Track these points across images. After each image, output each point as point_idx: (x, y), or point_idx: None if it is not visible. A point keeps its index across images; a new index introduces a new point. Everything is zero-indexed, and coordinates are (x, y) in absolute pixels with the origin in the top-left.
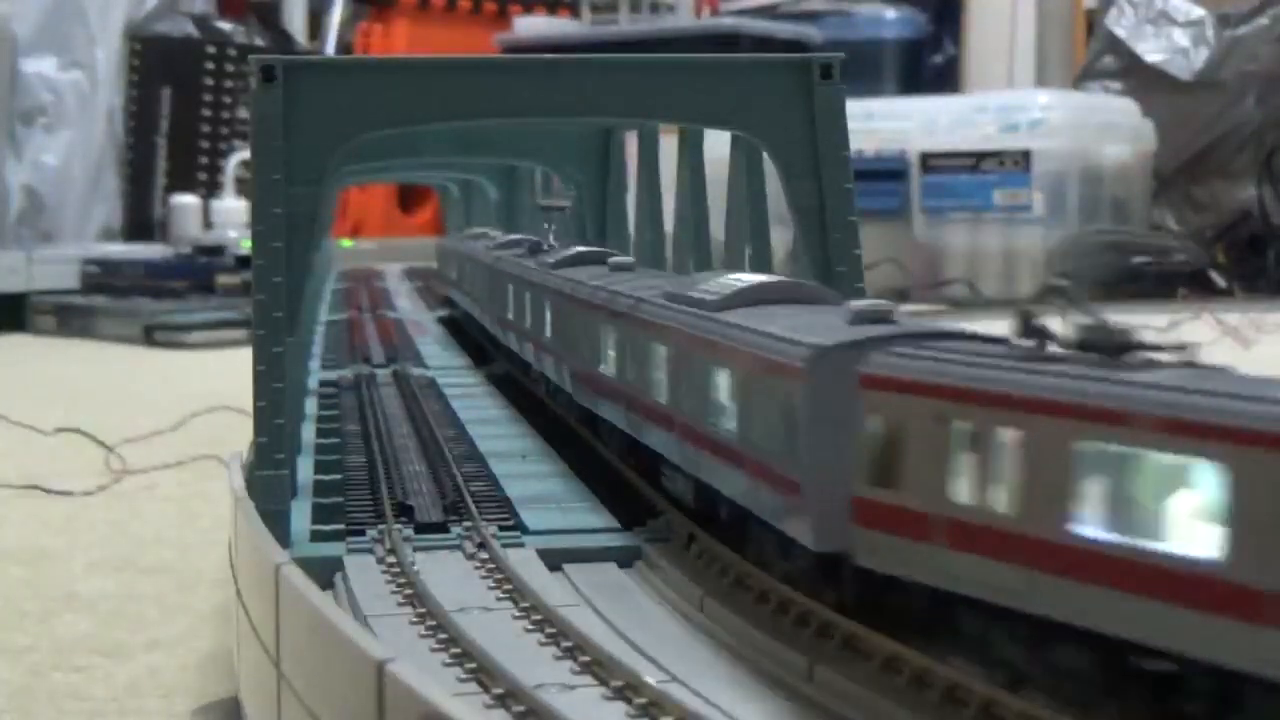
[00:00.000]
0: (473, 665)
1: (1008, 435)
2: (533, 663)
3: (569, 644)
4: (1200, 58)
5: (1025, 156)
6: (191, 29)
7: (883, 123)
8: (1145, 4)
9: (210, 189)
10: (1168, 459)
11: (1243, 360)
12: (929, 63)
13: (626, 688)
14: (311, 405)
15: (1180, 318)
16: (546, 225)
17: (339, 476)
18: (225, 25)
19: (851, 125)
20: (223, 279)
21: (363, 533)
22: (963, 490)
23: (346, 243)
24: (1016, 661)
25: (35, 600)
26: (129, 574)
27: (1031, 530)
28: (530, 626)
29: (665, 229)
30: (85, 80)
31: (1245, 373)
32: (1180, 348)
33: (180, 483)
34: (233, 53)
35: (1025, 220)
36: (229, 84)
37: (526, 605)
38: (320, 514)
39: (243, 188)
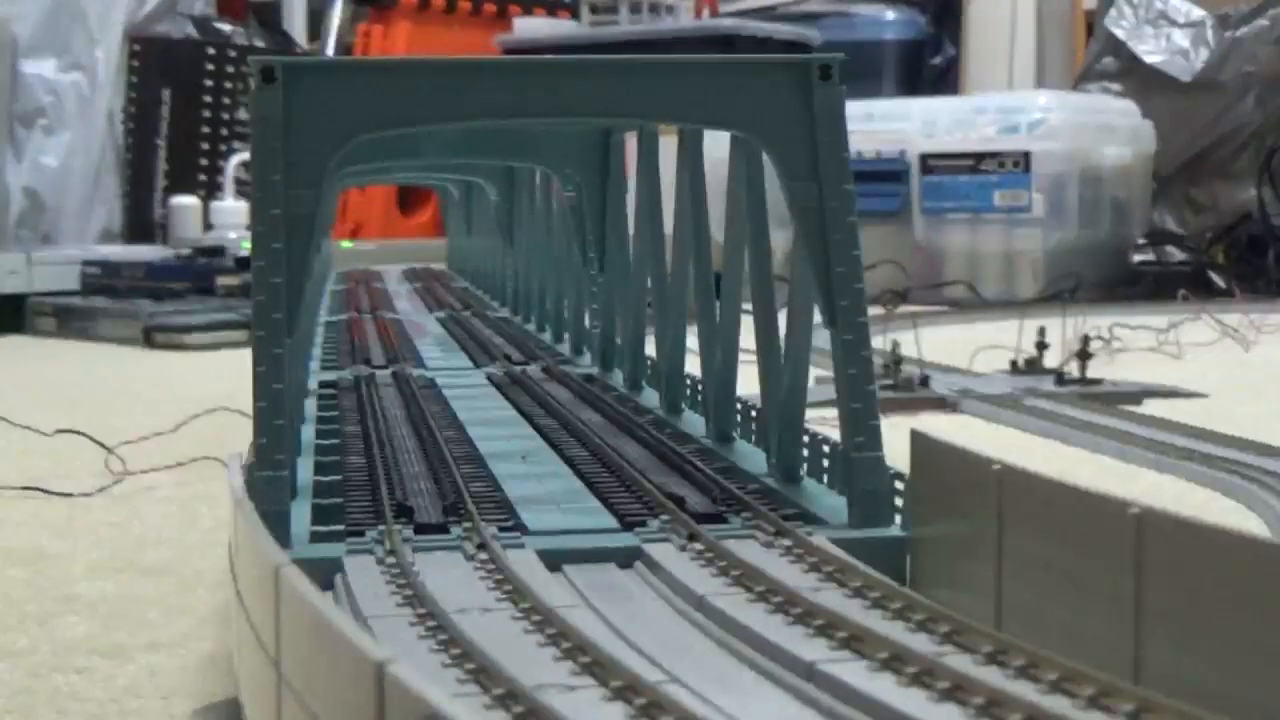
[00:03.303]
0: (472, 666)
1: None
2: (533, 663)
3: (569, 645)
4: (1200, 59)
5: (1025, 158)
6: (191, 30)
7: (882, 124)
8: (1145, 5)
9: (210, 190)
10: None
11: (1243, 361)
12: (929, 64)
13: (626, 688)
14: (311, 406)
15: (1180, 319)
16: None
17: (339, 477)
18: (225, 26)
19: (851, 126)
20: (223, 280)
21: (362, 534)
22: None
23: (346, 244)
24: None
25: (35, 602)
26: (129, 575)
27: None
28: (530, 627)
29: (665, 230)
30: (85, 82)
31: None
32: None
33: (180, 484)
34: (233, 54)
35: (1025, 221)
36: (229, 85)
37: (526, 606)
38: (320, 515)
39: (242, 189)
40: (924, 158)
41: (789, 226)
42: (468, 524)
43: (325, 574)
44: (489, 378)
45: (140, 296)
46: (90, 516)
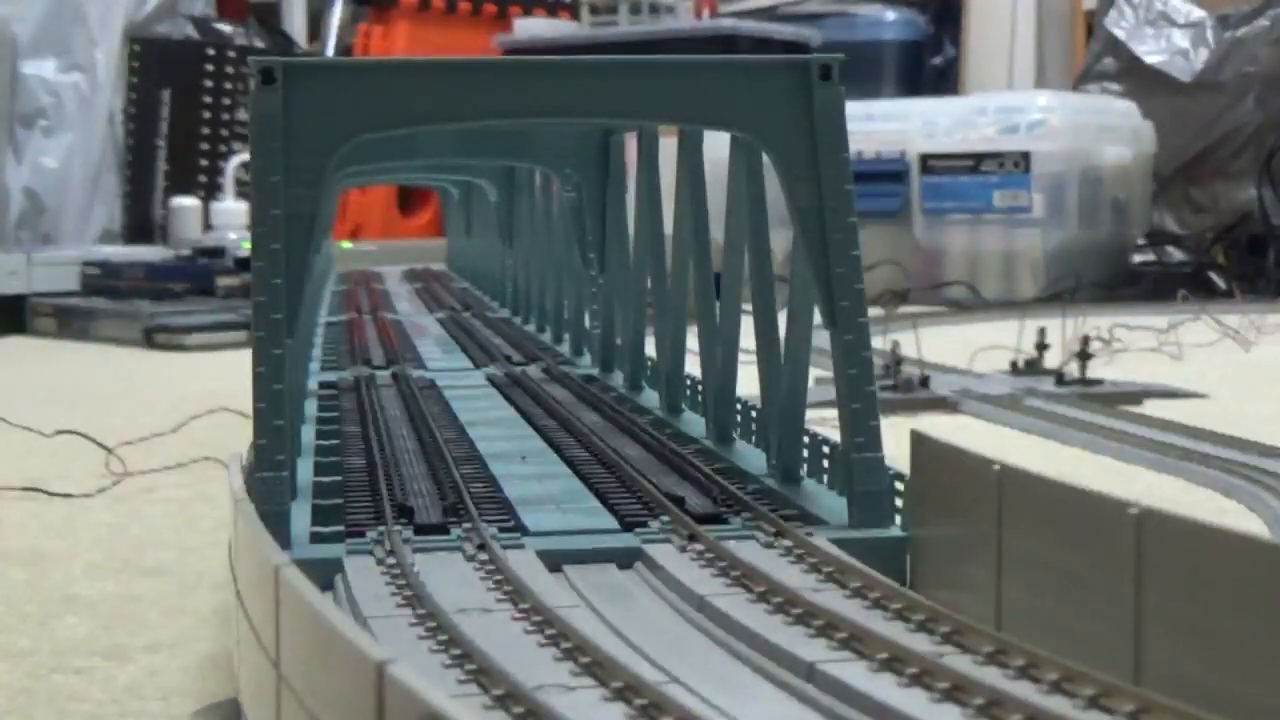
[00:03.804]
0: (472, 666)
1: None
2: (533, 664)
3: (569, 645)
4: (1200, 59)
5: (1025, 158)
6: (191, 31)
7: (882, 124)
8: (1145, 5)
9: (210, 191)
10: None
11: (1243, 361)
12: (929, 64)
13: (626, 689)
14: (311, 407)
15: (1180, 319)
16: None
17: (339, 478)
18: (225, 27)
19: (851, 127)
20: (223, 281)
21: (362, 534)
22: None
23: (347, 245)
24: None
25: (35, 602)
26: (129, 576)
27: None
28: (530, 628)
29: (665, 230)
30: (85, 82)
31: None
32: None
33: (180, 484)
34: (232, 54)
35: (1025, 222)
36: (229, 86)
37: (526, 606)
38: (320, 515)
39: (243, 190)
40: (924, 158)
41: (789, 226)
42: (468, 524)
43: (325, 574)
44: (489, 378)
45: (140, 297)
46: (90, 517)
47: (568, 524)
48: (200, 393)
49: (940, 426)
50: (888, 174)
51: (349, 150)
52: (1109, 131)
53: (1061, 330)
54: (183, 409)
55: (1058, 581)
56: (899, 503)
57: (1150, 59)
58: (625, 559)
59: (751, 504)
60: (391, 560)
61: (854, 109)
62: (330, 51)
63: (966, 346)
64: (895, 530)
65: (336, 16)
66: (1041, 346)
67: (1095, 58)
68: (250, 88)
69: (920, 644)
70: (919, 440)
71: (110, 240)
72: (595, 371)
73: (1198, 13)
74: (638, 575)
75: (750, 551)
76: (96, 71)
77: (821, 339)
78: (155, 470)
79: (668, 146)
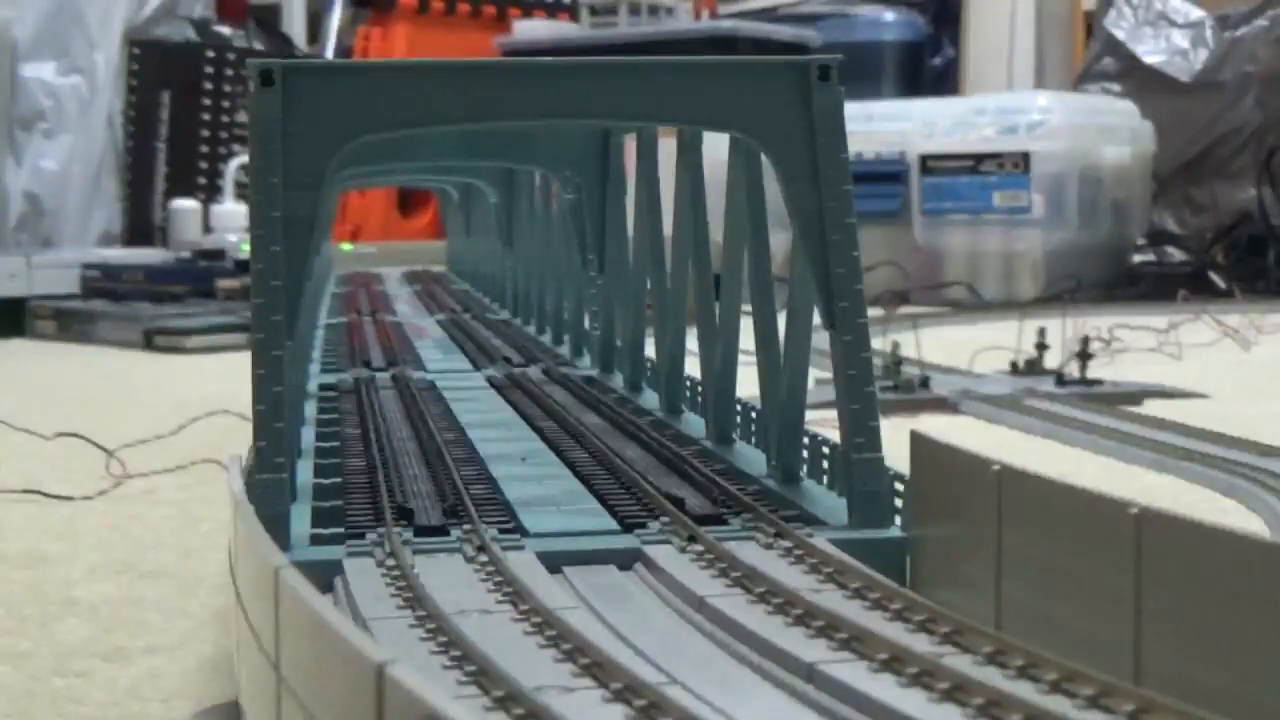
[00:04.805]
0: (473, 668)
1: None
2: (533, 665)
3: (569, 646)
4: (1199, 59)
5: (1025, 158)
6: (191, 33)
7: (882, 125)
8: (1144, 5)
9: (210, 193)
10: None
11: (1243, 361)
12: (928, 65)
13: (626, 690)
14: (311, 409)
15: (1180, 319)
16: None
17: (338, 480)
18: (225, 29)
19: (851, 127)
20: (222, 283)
21: (362, 536)
22: None
23: (346, 247)
24: None
25: (35, 605)
26: (129, 578)
27: None
28: (530, 629)
29: (664, 232)
30: (85, 85)
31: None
32: None
33: (180, 487)
34: (232, 57)
35: (1025, 222)
36: (228, 88)
37: (526, 608)
38: (320, 517)
39: (242, 192)
40: (924, 158)
41: (788, 228)
42: (468, 526)
43: (325, 576)
44: (489, 380)
45: (140, 300)
46: (90, 519)
47: (567, 525)
48: (200, 395)
49: (940, 427)
50: (887, 174)
51: (348, 152)
52: (1109, 131)
53: (1061, 330)
54: (183, 411)
55: (1058, 581)
56: (899, 503)
57: (1150, 59)
58: (625, 560)
59: (751, 505)
60: (391, 562)
61: (854, 109)
62: (330, 54)
63: (966, 347)
64: (895, 530)
65: (336, 19)
66: (1041, 347)
67: (1095, 58)
68: (249, 90)
69: (920, 644)
70: (919, 440)
71: (110, 243)
72: (595, 373)
73: (1197, 13)
74: (637, 576)
75: (750, 552)
76: (96, 74)
77: (821, 340)
78: (155, 472)
79: (667, 147)
